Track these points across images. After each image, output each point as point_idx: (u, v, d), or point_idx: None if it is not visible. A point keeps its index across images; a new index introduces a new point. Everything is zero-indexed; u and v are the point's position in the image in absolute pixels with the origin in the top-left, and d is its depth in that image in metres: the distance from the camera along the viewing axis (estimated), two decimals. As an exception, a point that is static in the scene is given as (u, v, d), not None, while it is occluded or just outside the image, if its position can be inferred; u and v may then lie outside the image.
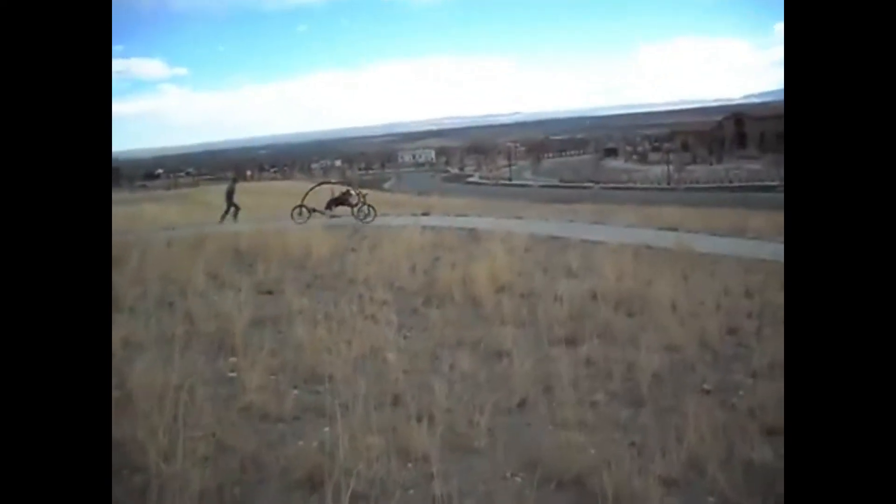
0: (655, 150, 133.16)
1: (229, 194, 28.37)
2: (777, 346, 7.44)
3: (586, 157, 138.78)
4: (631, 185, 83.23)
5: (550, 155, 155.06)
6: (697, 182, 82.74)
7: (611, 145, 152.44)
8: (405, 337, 8.55)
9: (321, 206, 26.59)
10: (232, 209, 27.74)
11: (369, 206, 25.98)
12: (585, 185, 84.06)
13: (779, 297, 10.88)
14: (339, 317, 9.29)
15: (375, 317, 9.32)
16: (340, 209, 26.31)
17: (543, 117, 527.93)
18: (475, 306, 10.09)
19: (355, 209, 25.73)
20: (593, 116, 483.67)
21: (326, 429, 5.40)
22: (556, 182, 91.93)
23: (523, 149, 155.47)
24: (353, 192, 27.23)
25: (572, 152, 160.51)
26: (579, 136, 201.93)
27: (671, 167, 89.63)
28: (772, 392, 6.11)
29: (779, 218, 33.68)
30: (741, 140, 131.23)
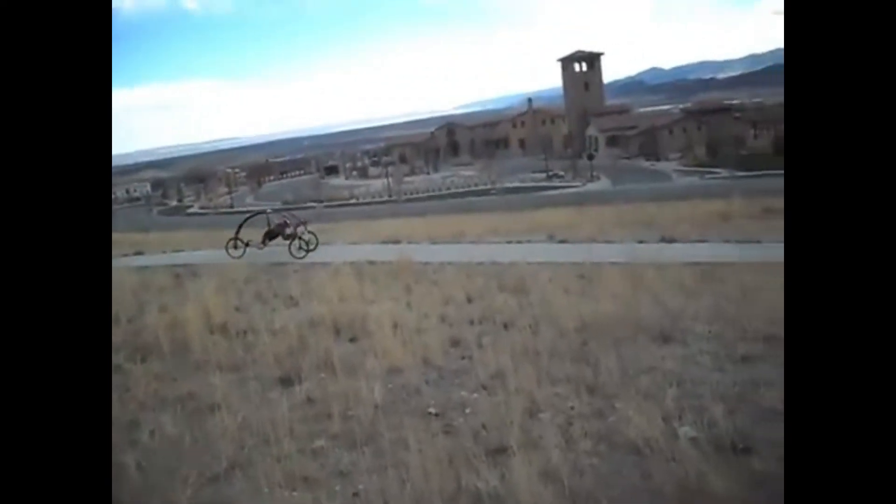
0: (375, 164, 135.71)
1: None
2: (499, 354, 7.36)
3: (307, 177, 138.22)
4: (354, 201, 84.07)
5: (272, 178, 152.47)
6: (417, 192, 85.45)
7: (331, 163, 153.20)
8: (101, 403, 7.39)
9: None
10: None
11: (305, 236, 22.43)
12: (308, 205, 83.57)
13: (498, 300, 11.06)
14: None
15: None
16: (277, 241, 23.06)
17: (263, 140, 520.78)
18: (186, 353, 9.10)
19: (291, 242, 22.08)
20: (312, 136, 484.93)
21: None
22: (278, 205, 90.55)
23: (244, 174, 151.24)
24: (289, 221, 23.60)
25: (294, 173, 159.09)
26: (300, 156, 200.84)
27: (391, 180, 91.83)
28: (495, 405, 5.92)
29: (491, 219, 35.45)
30: (454, 148, 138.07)
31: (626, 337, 7.85)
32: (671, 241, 20.71)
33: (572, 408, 5.85)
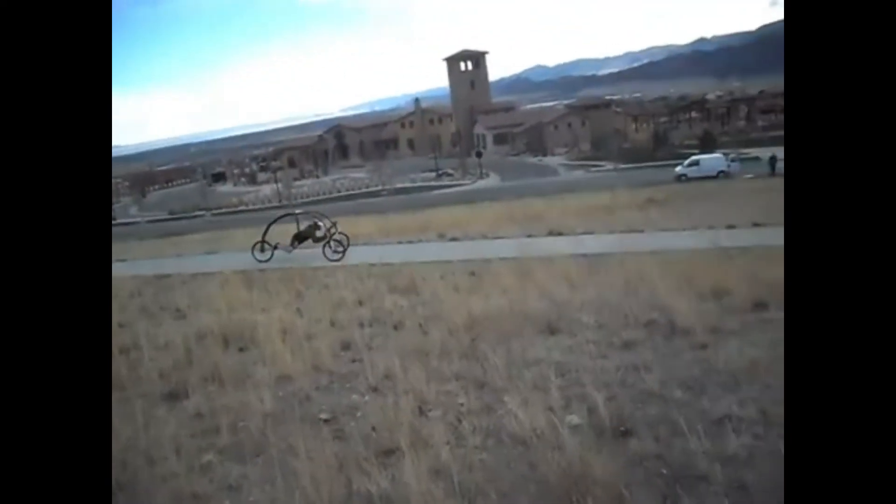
0: (263, 169, 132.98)
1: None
2: (389, 355, 7.36)
3: (194, 184, 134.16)
4: (243, 207, 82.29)
5: (156, 187, 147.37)
6: (308, 196, 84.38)
7: (218, 170, 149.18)
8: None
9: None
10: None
11: (338, 237, 21.38)
12: (196, 214, 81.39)
13: (389, 301, 11.07)
14: None
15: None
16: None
17: (145, 148, 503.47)
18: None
19: (326, 244, 21.12)
20: (198, 142, 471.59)
21: None
22: (165, 215, 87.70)
23: (127, 184, 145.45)
24: (320, 223, 22.44)
25: (180, 181, 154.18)
26: (186, 163, 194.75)
27: (280, 185, 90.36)
28: (385, 407, 5.91)
29: (383, 220, 35.48)
30: (343, 151, 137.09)
31: (514, 331, 8.00)
32: (559, 234, 21.25)
33: (462, 404, 5.92)
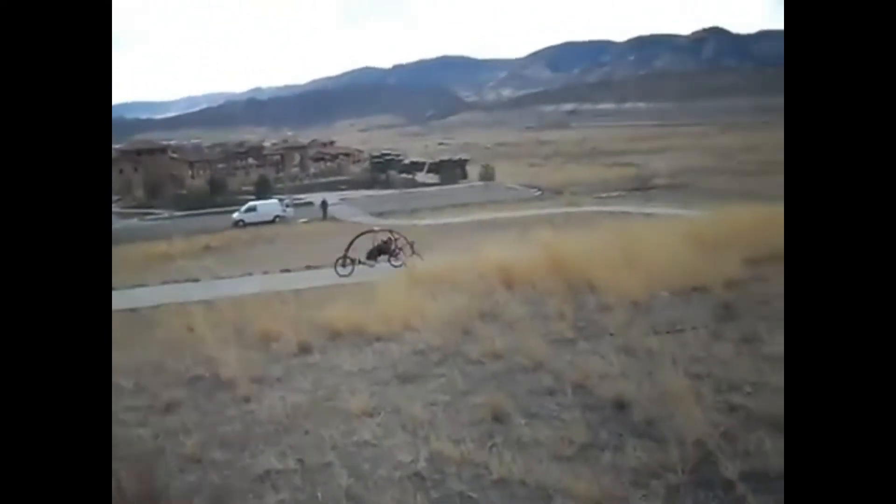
0: None
1: None
2: None
3: None
4: None
5: None
6: None
7: None
8: None
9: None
10: None
11: (410, 250, 22.13)
12: None
13: None
14: None
15: None
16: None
17: None
18: None
19: (396, 258, 22.33)
20: None
21: None
22: None
23: None
24: (393, 237, 23.67)
25: None
26: None
27: None
28: None
29: None
30: None
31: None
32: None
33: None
